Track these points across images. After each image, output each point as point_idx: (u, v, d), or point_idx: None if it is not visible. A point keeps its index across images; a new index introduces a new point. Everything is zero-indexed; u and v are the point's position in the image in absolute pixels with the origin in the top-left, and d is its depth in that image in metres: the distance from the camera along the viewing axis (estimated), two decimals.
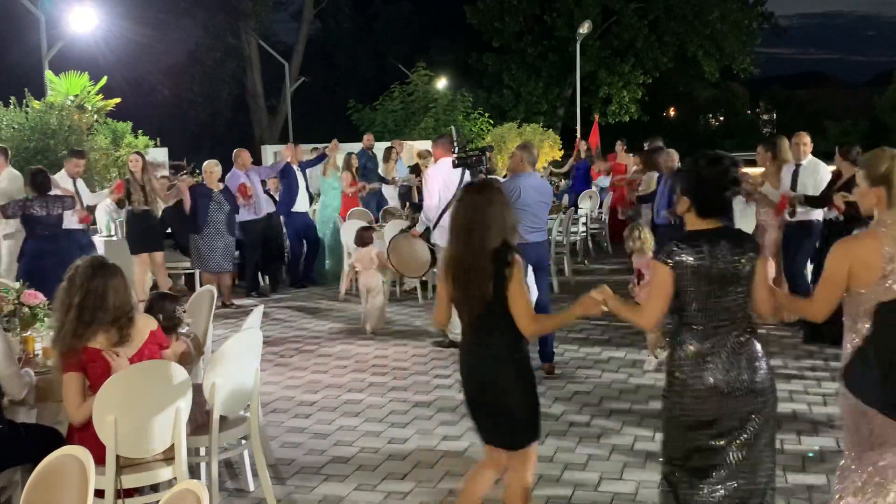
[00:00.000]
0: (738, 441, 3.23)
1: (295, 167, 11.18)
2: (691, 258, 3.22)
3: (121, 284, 3.85)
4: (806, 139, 8.02)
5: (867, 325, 3.23)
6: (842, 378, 3.35)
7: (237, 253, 11.44)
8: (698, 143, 39.79)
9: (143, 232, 9.58)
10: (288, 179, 11.14)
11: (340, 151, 11.85)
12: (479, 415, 3.70)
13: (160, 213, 9.99)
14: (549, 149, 20.58)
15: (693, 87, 34.36)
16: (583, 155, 15.68)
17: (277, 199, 11.34)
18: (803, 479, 4.67)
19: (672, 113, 46.15)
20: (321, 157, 11.64)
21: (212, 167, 9.91)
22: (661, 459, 3.48)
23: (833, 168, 7.71)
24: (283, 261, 11.86)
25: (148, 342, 3.94)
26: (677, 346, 3.32)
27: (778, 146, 8.35)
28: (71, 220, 9.03)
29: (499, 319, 3.57)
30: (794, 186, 7.90)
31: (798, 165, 7.96)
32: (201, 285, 9.40)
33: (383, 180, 13.42)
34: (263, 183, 11.13)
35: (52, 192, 8.57)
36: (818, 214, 7.77)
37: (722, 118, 50.81)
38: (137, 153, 10.00)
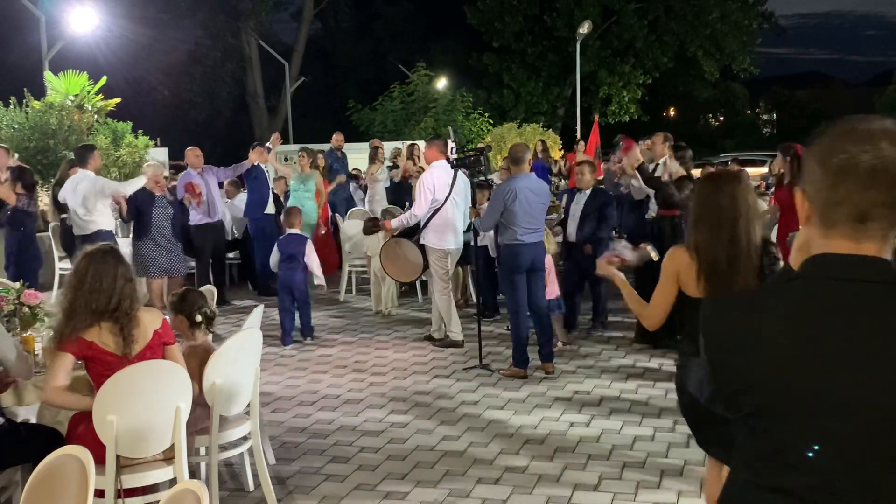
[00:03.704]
0: None
1: (264, 167, 10.77)
2: None
3: (118, 272, 3.82)
4: (657, 140, 8.41)
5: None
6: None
7: (232, 253, 11.42)
8: (698, 143, 39.76)
9: None
10: (258, 182, 10.68)
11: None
12: None
13: None
14: (549, 149, 20.58)
15: (693, 87, 34.38)
16: (539, 155, 15.81)
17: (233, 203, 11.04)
18: None
19: (672, 113, 46.14)
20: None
21: (154, 170, 8.91)
22: None
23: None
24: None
25: (151, 343, 3.90)
26: None
27: (653, 141, 8.76)
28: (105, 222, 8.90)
29: None
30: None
31: (656, 165, 8.32)
32: (170, 289, 8.74)
33: (355, 179, 13.38)
34: (221, 185, 10.74)
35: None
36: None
37: (722, 118, 50.80)
38: None
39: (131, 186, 8.85)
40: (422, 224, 7.80)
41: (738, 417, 1.53)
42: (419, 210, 7.71)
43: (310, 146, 11.93)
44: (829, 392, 1.42)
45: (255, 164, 10.57)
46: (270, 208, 10.86)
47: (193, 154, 10.10)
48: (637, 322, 7.89)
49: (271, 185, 11.97)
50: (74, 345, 3.76)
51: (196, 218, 9.84)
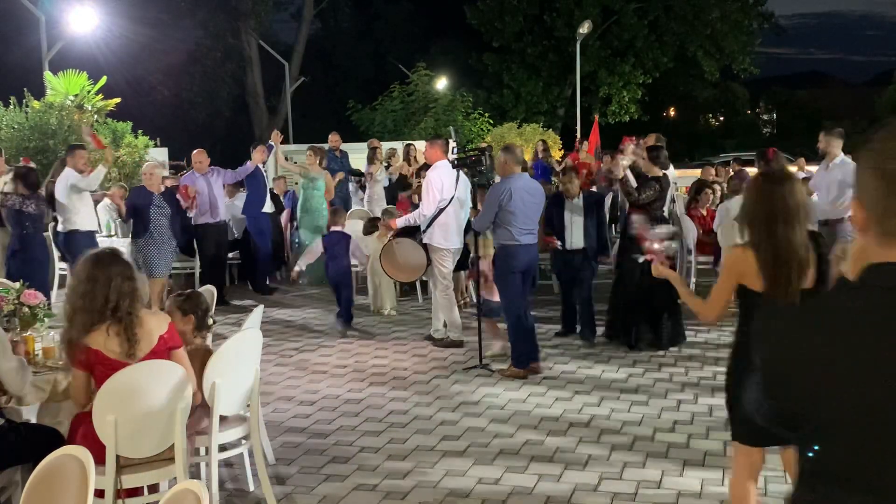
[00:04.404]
0: None
1: (262, 167, 10.77)
2: None
3: (113, 270, 3.77)
4: (648, 140, 8.76)
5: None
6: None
7: (232, 253, 11.43)
8: (698, 143, 39.82)
9: None
10: (256, 181, 10.71)
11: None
12: None
13: None
14: (549, 149, 20.60)
15: (693, 87, 34.38)
16: (540, 155, 15.82)
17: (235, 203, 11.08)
18: None
19: (672, 113, 46.16)
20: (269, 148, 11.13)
21: (151, 169, 9.02)
22: None
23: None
24: (283, 260, 11.81)
25: (157, 348, 3.85)
26: None
27: (644, 142, 9.04)
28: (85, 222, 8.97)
29: None
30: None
31: None
32: (170, 290, 8.91)
33: (354, 174, 13.34)
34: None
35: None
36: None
37: (722, 118, 50.80)
38: None
39: (95, 177, 8.90)
40: (424, 223, 7.79)
41: (799, 434, 1.47)
42: (428, 210, 7.68)
43: (317, 145, 11.92)
44: (890, 406, 1.36)
45: (256, 166, 10.57)
46: (269, 207, 10.87)
47: (198, 156, 10.12)
48: (607, 322, 7.97)
49: (270, 184, 11.97)
50: (83, 355, 3.75)
51: (197, 217, 9.86)
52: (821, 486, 1.46)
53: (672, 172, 8.71)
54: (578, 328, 8.11)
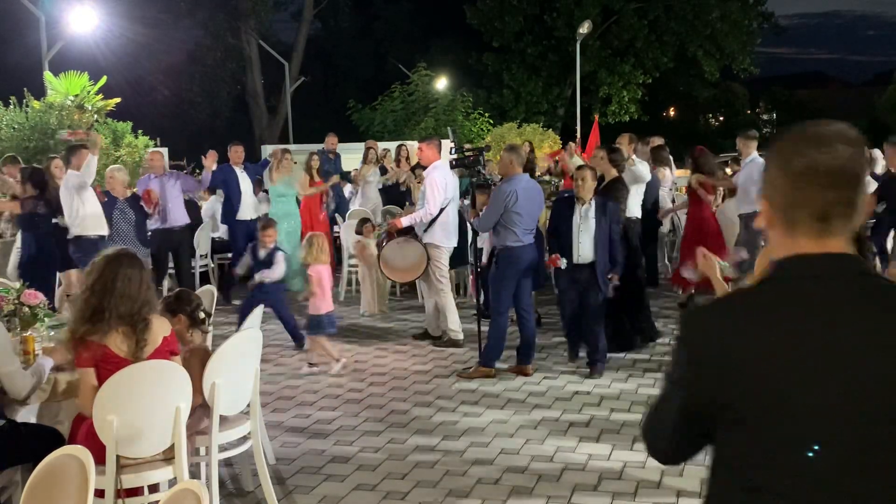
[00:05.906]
0: None
1: (238, 170, 10.28)
2: None
3: (135, 276, 3.78)
4: (622, 140, 9.02)
5: None
6: None
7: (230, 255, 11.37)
8: (698, 143, 39.77)
9: None
10: (227, 186, 10.23)
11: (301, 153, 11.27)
12: None
13: None
14: (550, 149, 20.59)
15: (693, 87, 34.34)
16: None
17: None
18: None
19: (672, 113, 46.15)
20: (265, 163, 10.96)
21: (113, 172, 8.89)
22: None
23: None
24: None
25: (160, 348, 3.85)
26: None
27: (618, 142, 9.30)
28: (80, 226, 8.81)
29: None
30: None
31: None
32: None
33: (346, 178, 13.21)
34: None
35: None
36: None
37: (722, 118, 50.77)
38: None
39: (89, 169, 8.35)
40: (425, 227, 7.79)
41: (721, 425, 1.56)
42: (434, 209, 7.68)
43: (288, 146, 11.75)
44: (812, 392, 1.46)
45: (230, 168, 10.26)
46: (246, 213, 10.35)
47: (152, 156, 9.80)
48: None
49: (246, 187, 11.79)
50: (90, 351, 3.73)
51: (150, 223, 9.47)
52: (744, 470, 1.53)
53: (646, 172, 8.64)
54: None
